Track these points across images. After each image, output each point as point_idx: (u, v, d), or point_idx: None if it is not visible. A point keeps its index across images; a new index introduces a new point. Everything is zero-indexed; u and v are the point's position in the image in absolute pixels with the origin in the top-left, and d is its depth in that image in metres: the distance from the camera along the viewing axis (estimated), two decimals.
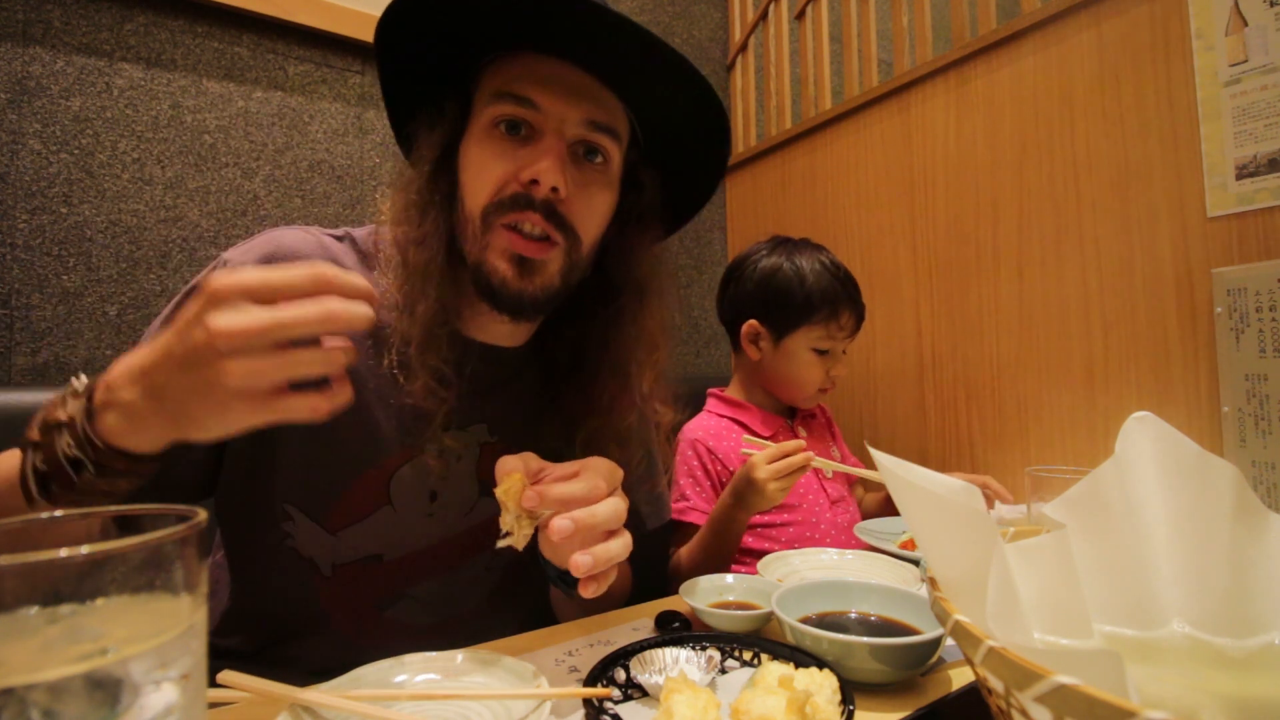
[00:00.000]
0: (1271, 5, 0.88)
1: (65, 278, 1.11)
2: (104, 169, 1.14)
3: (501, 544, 0.51)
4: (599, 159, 0.65)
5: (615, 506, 0.52)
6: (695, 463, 1.10)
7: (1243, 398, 0.90)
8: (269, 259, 0.62)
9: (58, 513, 0.29)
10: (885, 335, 1.44)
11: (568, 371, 0.72)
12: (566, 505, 0.50)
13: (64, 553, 0.23)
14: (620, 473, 0.56)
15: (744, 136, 1.90)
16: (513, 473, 0.51)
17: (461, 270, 0.65)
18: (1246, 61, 0.90)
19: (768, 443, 0.97)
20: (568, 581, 0.65)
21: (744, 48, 1.91)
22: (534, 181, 0.60)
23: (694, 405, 1.24)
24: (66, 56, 1.12)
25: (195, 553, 0.27)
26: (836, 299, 1.10)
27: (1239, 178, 0.91)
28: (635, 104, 0.68)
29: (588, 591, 0.52)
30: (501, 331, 0.69)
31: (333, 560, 0.67)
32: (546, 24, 0.59)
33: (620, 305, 0.71)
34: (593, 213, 0.66)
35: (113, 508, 0.30)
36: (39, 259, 1.09)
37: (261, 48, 1.28)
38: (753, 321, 1.15)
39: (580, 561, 0.49)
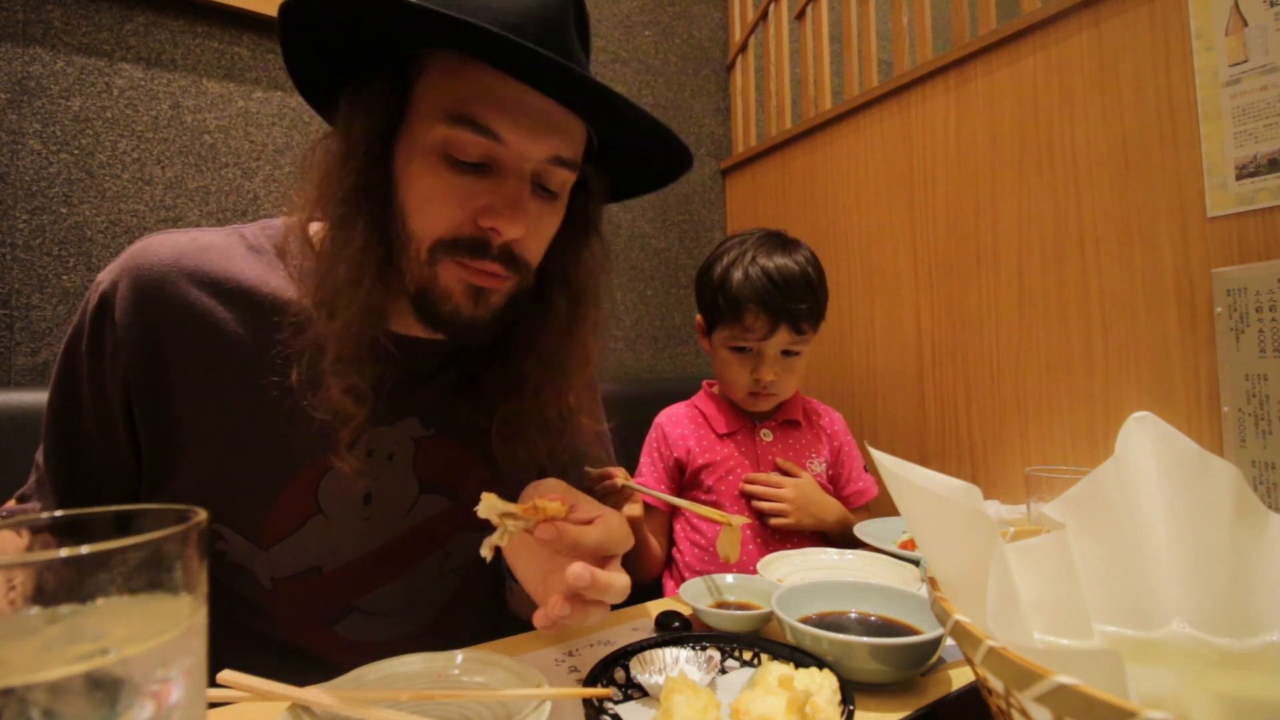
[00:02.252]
0: (1271, 5, 0.88)
1: (65, 278, 1.11)
2: (104, 169, 1.14)
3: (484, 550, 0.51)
4: (555, 189, 0.61)
5: (625, 584, 0.51)
6: (653, 444, 1.15)
7: (1243, 398, 0.90)
8: (137, 274, 0.58)
9: (58, 512, 0.29)
10: (885, 335, 1.44)
11: (491, 357, 0.69)
12: (577, 547, 0.50)
13: (64, 553, 0.23)
14: (631, 542, 0.54)
15: (744, 136, 1.90)
16: (489, 494, 0.50)
17: (390, 272, 0.60)
18: (1246, 61, 0.90)
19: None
20: (513, 575, 0.63)
21: (744, 48, 1.91)
22: (493, 229, 0.56)
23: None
24: (66, 56, 1.12)
25: (195, 553, 0.28)
26: (743, 298, 1.04)
27: (1239, 178, 0.91)
28: (596, 127, 0.63)
29: (538, 621, 0.50)
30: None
31: (271, 574, 0.64)
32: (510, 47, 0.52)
33: (553, 303, 0.67)
34: (544, 240, 0.63)
35: (113, 508, 0.30)
36: (39, 259, 1.09)
37: (261, 48, 1.28)
38: (699, 314, 1.17)
39: (555, 609, 0.48)
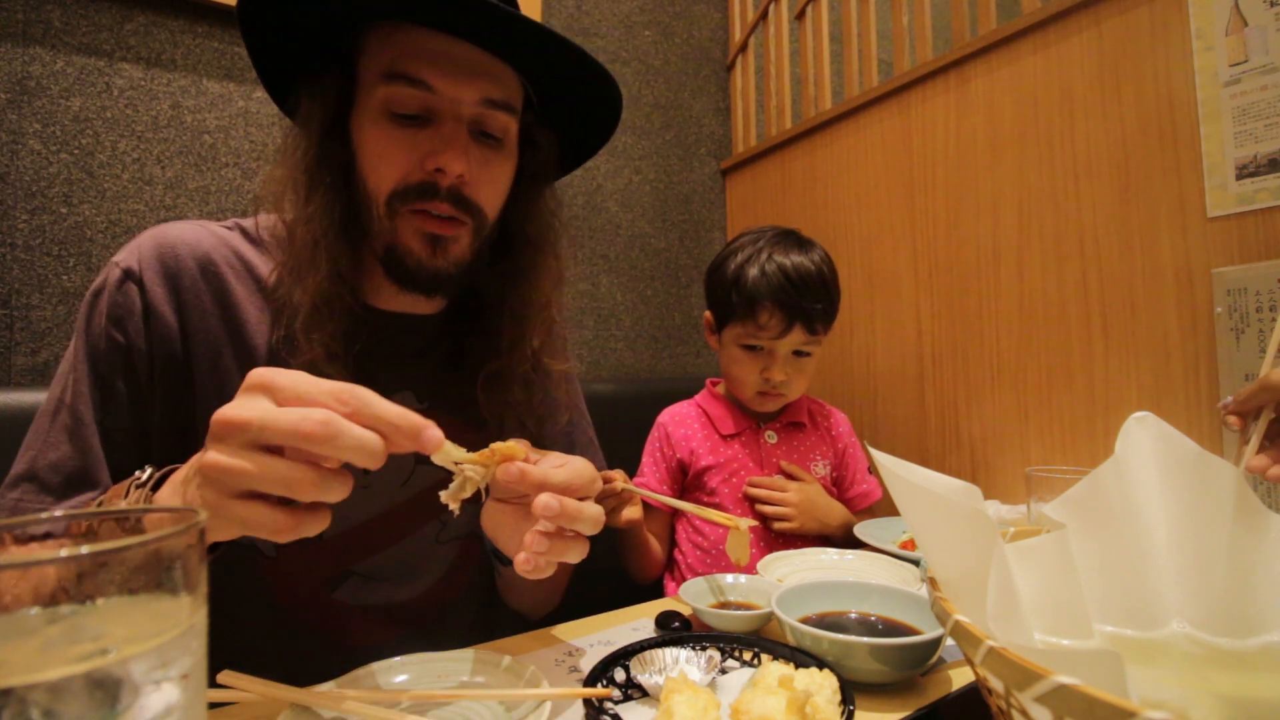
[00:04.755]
0: (1271, 5, 0.88)
1: (65, 278, 1.11)
2: (104, 169, 1.14)
3: (444, 495, 0.50)
4: (497, 134, 0.65)
5: (597, 513, 0.52)
6: (656, 444, 1.14)
7: None
8: (160, 249, 0.62)
9: (57, 512, 0.29)
10: (885, 335, 1.44)
11: (473, 325, 0.73)
12: (543, 488, 0.50)
13: (64, 553, 0.23)
14: (600, 484, 0.55)
15: (744, 136, 1.90)
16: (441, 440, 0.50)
17: (361, 243, 0.65)
18: (1246, 61, 0.90)
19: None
20: (502, 558, 0.65)
21: (744, 48, 1.91)
22: (439, 170, 0.60)
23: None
24: (66, 56, 1.12)
25: (195, 553, 0.27)
26: (758, 295, 1.03)
27: (1239, 178, 0.91)
28: (527, 72, 0.67)
29: (522, 566, 0.50)
30: (415, 300, 0.68)
31: (274, 542, 0.65)
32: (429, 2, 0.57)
33: (516, 259, 0.72)
34: (495, 187, 0.66)
35: (113, 508, 0.30)
36: (39, 259, 1.09)
37: None
38: (708, 311, 1.16)
39: (531, 543, 0.49)
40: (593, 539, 0.53)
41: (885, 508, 1.17)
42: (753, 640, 0.57)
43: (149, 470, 0.49)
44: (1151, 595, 0.47)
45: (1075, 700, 0.26)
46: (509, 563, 0.64)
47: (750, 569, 0.80)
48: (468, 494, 0.49)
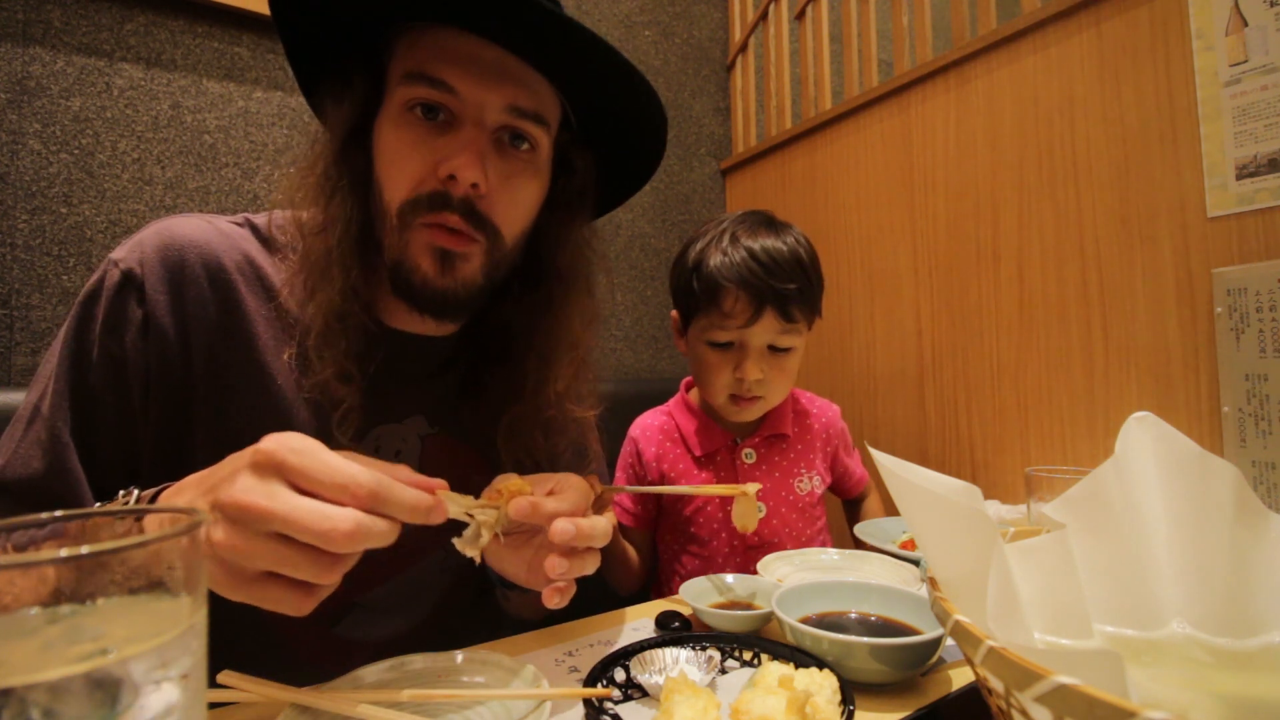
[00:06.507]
0: (1271, 5, 0.88)
1: (65, 278, 1.11)
2: (104, 169, 1.14)
3: (459, 544, 0.51)
4: (525, 146, 0.61)
5: (607, 524, 0.53)
6: (628, 460, 1.05)
7: (1243, 398, 0.90)
8: (165, 253, 0.58)
9: (58, 513, 0.29)
10: (885, 335, 1.44)
11: (495, 358, 0.69)
12: (555, 517, 0.51)
13: (64, 553, 0.23)
14: (591, 495, 0.56)
15: (744, 136, 1.90)
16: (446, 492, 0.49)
17: (378, 258, 0.61)
18: (1246, 61, 0.90)
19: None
20: (507, 584, 0.64)
21: (744, 48, 1.91)
22: (451, 177, 0.56)
23: None
24: (66, 56, 1.12)
25: (195, 553, 0.27)
26: (721, 279, 0.90)
27: (1239, 178, 0.91)
28: (563, 85, 0.63)
29: (552, 602, 0.51)
30: (430, 322, 0.65)
31: None
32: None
33: (544, 292, 0.67)
34: (517, 206, 0.62)
35: (113, 508, 0.30)
36: (39, 259, 1.09)
37: (261, 48, 1.28)
38: (674, 311, 1.04)
39: (556, 567, 0.50)
40: None
41: (883, 499, 1.17)
42: (753, 640, 0.57)
43: (135, 493, 0.47)
44: (1151, 595, 0.47)
45: (1075, 700, 0.26)
46: (513, 587, 0.64)
47: (750, 570, 0.80)
48: (485, 540, 0.49)
